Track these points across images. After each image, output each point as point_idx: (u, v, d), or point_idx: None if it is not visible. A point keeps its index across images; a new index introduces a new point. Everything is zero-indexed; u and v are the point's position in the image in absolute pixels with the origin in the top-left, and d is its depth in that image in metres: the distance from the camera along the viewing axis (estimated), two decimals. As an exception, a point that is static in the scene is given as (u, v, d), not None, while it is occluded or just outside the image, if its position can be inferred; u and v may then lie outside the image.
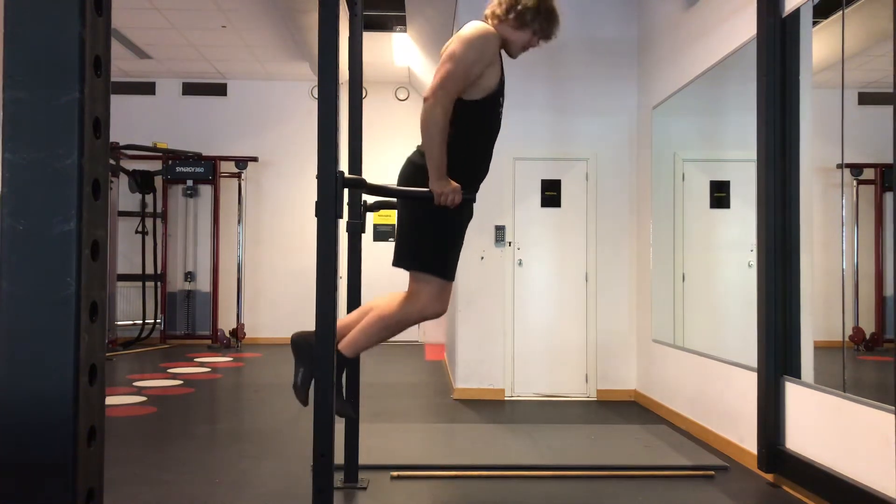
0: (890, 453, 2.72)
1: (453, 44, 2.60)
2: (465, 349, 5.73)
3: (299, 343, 2.77)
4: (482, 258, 5.72)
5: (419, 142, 2.70)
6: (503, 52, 2.76)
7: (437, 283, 2.68)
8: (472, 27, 2.62)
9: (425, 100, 2.52)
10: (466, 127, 2.63)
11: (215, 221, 9.05)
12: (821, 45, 3.42)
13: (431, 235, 2.68)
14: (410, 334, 9.37)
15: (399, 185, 2.73)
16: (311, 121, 9.01)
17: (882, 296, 3.68)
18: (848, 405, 3.03)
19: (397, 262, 2.74)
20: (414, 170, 2.68)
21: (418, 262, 2.69)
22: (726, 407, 4.12)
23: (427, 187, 2.60)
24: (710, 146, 4.97)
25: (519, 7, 2.65)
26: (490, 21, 2.70)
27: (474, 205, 2.80)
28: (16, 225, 0.76)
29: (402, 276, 2.78)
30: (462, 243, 2.80)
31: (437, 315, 2.73)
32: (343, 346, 2.73)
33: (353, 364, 3.21)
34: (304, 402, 2.69)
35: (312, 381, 2.66)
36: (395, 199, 2.84)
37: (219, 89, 9.41)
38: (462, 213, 2.74)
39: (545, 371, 5.75)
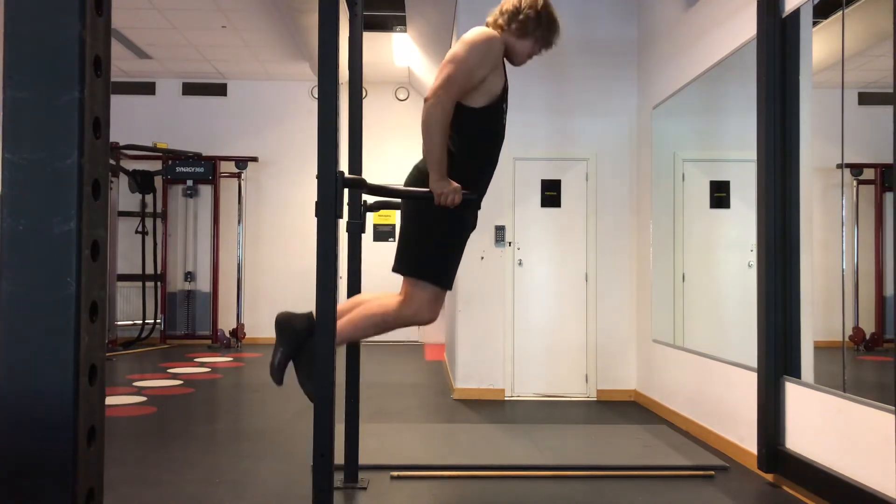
0: (890, 453, 2.72)
1: (457, 46, 2.60)
2: (465, 349, 5.73)
3: (283, 324, 2.73)
4: (482, 258, 5.72)
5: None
6: (506, 60, 2.78)
7: (433, 290, 2.68)
8: (477, 31, 2.64)
9: (426, 100, 2.53)
10: (471, 134, 2.64)
11: (215, 221, 9.05)
12: (821, 45, 3.42)
13: (433, 244, 2.69)
14: (410, 334, 9.37)
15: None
16: (311, 121, 9.01)
17: (882, 296, 3.68)
18: (848, 405, 3.03)
19: (397, 267, 2.74)
20: (420, 176, 2.68)
21: (418, 269, 2.69)
22: (726, 407, 4.12)
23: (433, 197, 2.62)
24: (710, 146, 4.97)
25: (520, 17, 2.68)
26: (493, 28, 2.72)
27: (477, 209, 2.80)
28: (16, 225, 0.76)
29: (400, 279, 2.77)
30: (462, 254, 2.80)
31: (427, 322, 2.73)
32: None
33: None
34: (279, 382, 2.70)
35: (289, 363, 2.68)
36: (395, 199, 2.84)
37: (219, 89, 9.41)
38: (465, 224, 2.75)
39: (545, 371, 5.75)
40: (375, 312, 2.71)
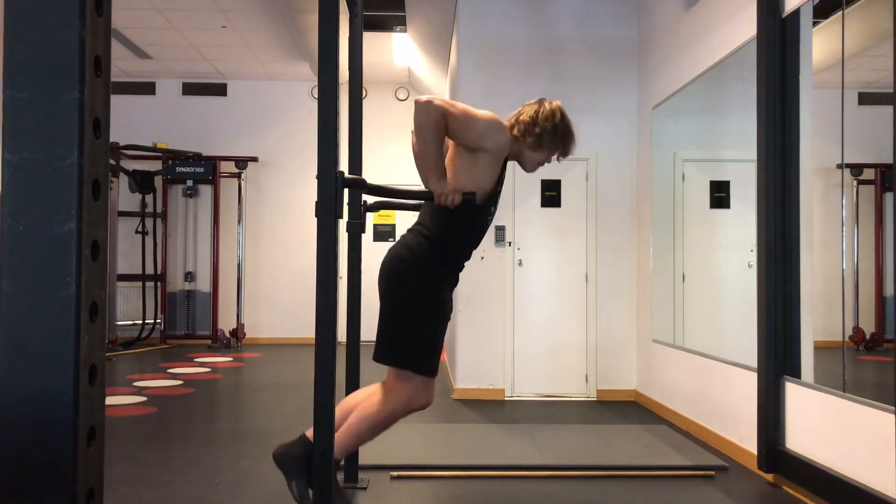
0: (890, 453, 2.72)
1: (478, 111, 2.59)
2: (465, 349, 5.73)
3: (282, 458, 2.71)
4: (482, 258, 5.72)
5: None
6: (516, 163, 2.78)
7: (421, 379, 2.65)
8: (496, 117, 2.62)
9: (417, 102, 2.47)
10: (452, 222, 2.62)
11: (215, 221, 9.05)
12: (821, 45, 3.42)
13: (416, 333, 2.64)
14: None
15: (382, 275, 2.70)
16: (311, 121, 9.01)
17: (882, 296, 3.68)
18: (848, 405, 3.03)
19: (379, 357, 2.68)
20: (399, 263, 2.66)
21: (402, 360, 2.65)
22: (726, 407, 4.12)
23: (412, 283, 2.61)
24: (710, 146, 4.97)
25: (537, 130, 2.65)
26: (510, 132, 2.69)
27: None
28: (16, 225, 0.76)
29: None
30: (443, 337, 2.75)
31: (424, 407, 2.70)
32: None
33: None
34: None
35: (309, 490, 2.65)
36: (395, 200, 2.83)
37: (219, 89, 9.41)
38: (446, 309, 2.71)
39: (545, 371, 5.75)
40: (370, 414, 2.66)
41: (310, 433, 2.66)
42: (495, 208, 2.75)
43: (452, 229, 2.63)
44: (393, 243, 2.79)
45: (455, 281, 2.79)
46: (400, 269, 2.64)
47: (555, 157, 2.75)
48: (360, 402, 2.74)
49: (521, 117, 2.69)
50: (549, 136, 2.66)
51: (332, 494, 2.09)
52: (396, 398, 2.65)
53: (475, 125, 2.54)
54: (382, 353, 2.67)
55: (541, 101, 2.72)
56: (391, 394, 2.66)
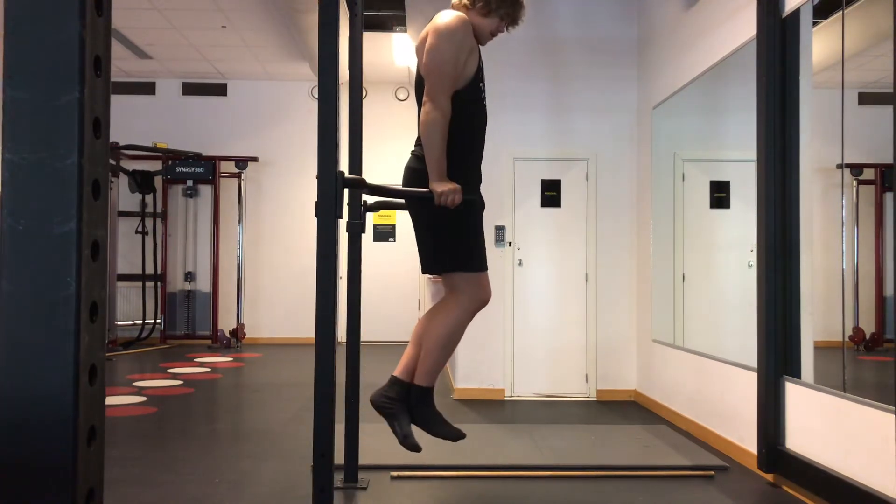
0: (890, 453, 2.72)
1: (435, 40, 2.59)
2: (465, 349, 5.72)
3: (380, 401, 2.77)
4: (482, 258, 5.71)
5: (413, 146, 2.73)
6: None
7: (474, 276, 2.70)
8: (448, 17, 2.62)
9: (424, 102, 2.54)
10: (452, 122, 2.62)
11: (215, 221, 9.05)
12: (821, 45, 3.42)
13: (451, 235, 2.69)
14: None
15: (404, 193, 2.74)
16: (311, 121, 9.01)
17: (882, 296, 3.67)
18: (848, 405, 3.03)
19: (427, 269, 2.76)
20: (414, 176, 2.68)
21: (448, 265, 2.71)
22: (726, 407, 4.12)
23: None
24: (710, 146, 4.97)
25: None
26: (459, 8, 2.71)
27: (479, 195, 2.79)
28: (16, 225, 0.76)
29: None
30: (482, 230, 2.79)
31: (486, 301, 2.75)
32: (420, 378, 2.74)
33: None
34: (417, 449, 2.77)
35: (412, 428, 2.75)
36: (394, 199, 2.84)
37: (219, 89, 9.41)
38: (474, 204, 2.75)
39: (545, 371, 5.75)
40: (441, 333, 2.70)
41: (398, 373, 2.77)
42: (484, 84, 2.77)
43: (454, 127, 2.63)
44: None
45: (475, 172, 2.77)
46: (418, 181, 2.66)
47: (505, 26, 2.76)
48: (430, 320, 2.78)
49: None
50: (497, 0, 2.69)
51: (332, 493, 2.09)
52: (457, 305, 2.70)
53: (459, 57, 2.58)
54: (429, 263, 2.75)
55: None
56: (451, 302, 2.72)
